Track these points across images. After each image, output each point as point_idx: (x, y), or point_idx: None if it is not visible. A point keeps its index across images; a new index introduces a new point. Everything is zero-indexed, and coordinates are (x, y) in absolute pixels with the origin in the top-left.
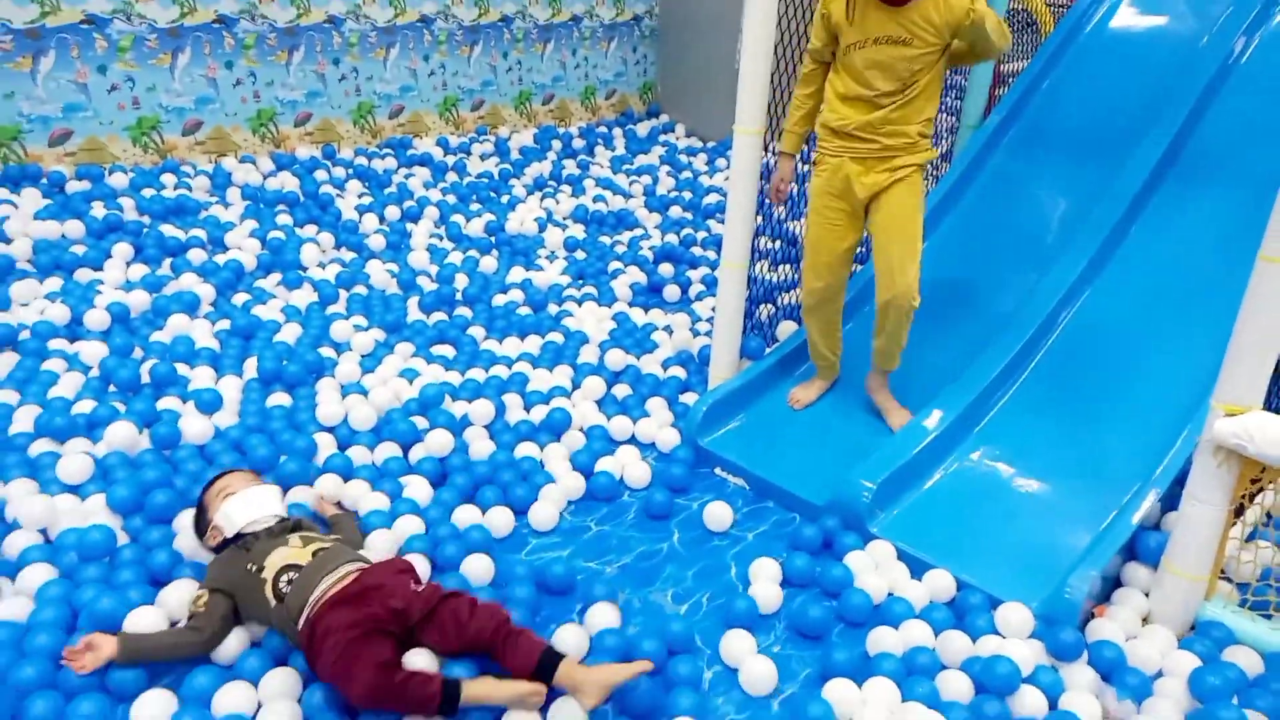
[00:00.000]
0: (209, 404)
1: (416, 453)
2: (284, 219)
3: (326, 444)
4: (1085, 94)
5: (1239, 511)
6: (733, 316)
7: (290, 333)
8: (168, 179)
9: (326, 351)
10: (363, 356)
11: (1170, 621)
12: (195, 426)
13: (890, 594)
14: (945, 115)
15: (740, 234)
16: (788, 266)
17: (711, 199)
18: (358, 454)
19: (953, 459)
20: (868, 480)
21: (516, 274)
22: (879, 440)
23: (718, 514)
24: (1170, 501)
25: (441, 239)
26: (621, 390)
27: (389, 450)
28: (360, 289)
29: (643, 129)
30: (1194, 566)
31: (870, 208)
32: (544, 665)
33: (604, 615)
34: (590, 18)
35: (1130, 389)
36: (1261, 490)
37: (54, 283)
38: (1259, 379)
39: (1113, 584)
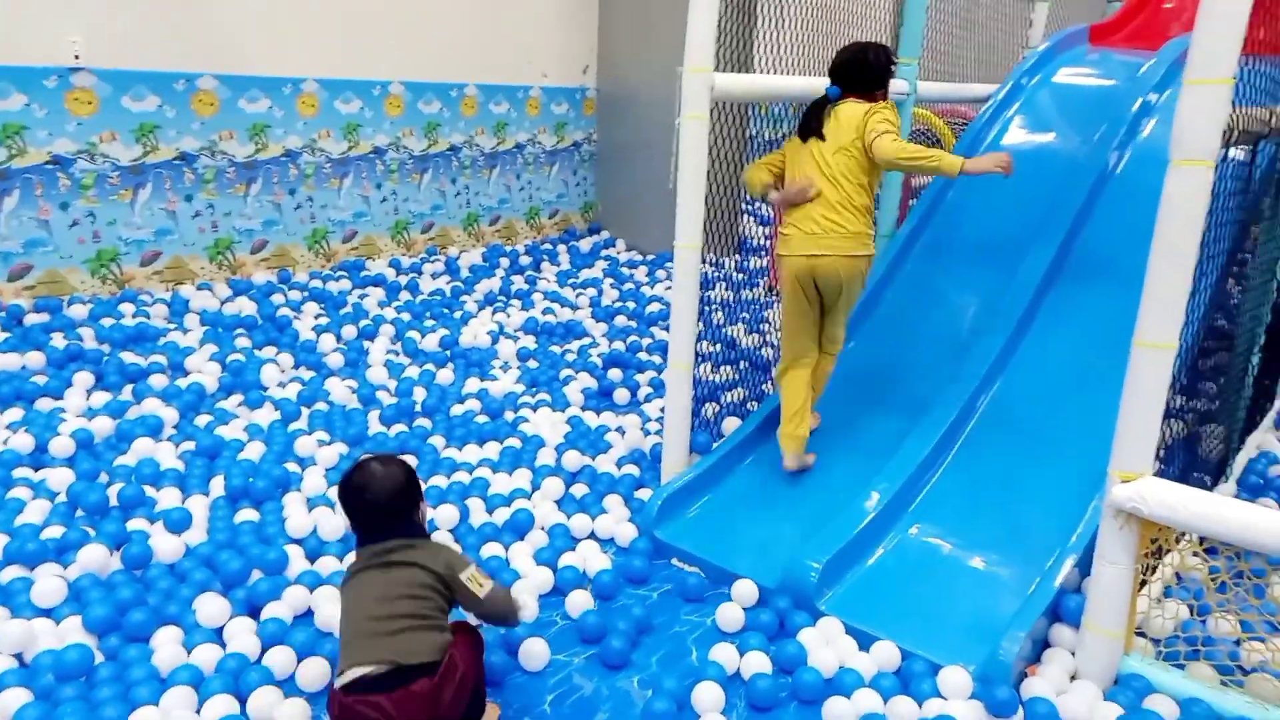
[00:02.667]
0: (178, 523)
1: None
2: (243, 342)
3: (297, 556)
4: (984, 206)
5: (1151, 571)
6: (682, 414)
7: (254, 450)
8: (126, 308)
9: (292, 467)
10: (327, 469)
11: (1095, 676)
12: (166, 545)
13: (841, 666)
14: None
15: (684, 338)
16: (728, 368)
17: (654, 308)
18: (328, 564)
19: (891, 535)
20: (814, 560)
21: (472, 384)
22: (825, 519)
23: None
24: (1087, 566)
25: (398, 354)
26: (579, 489)
27: None
28: (321, 405)
29: (585, 245)
30: (1111, 623)
31: None
32: None
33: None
34: (533, 144)
35: (1044, 463)
36: (1160, 549)
37: (15, 413)
38: (1146, 448)
39: (1042, 645)
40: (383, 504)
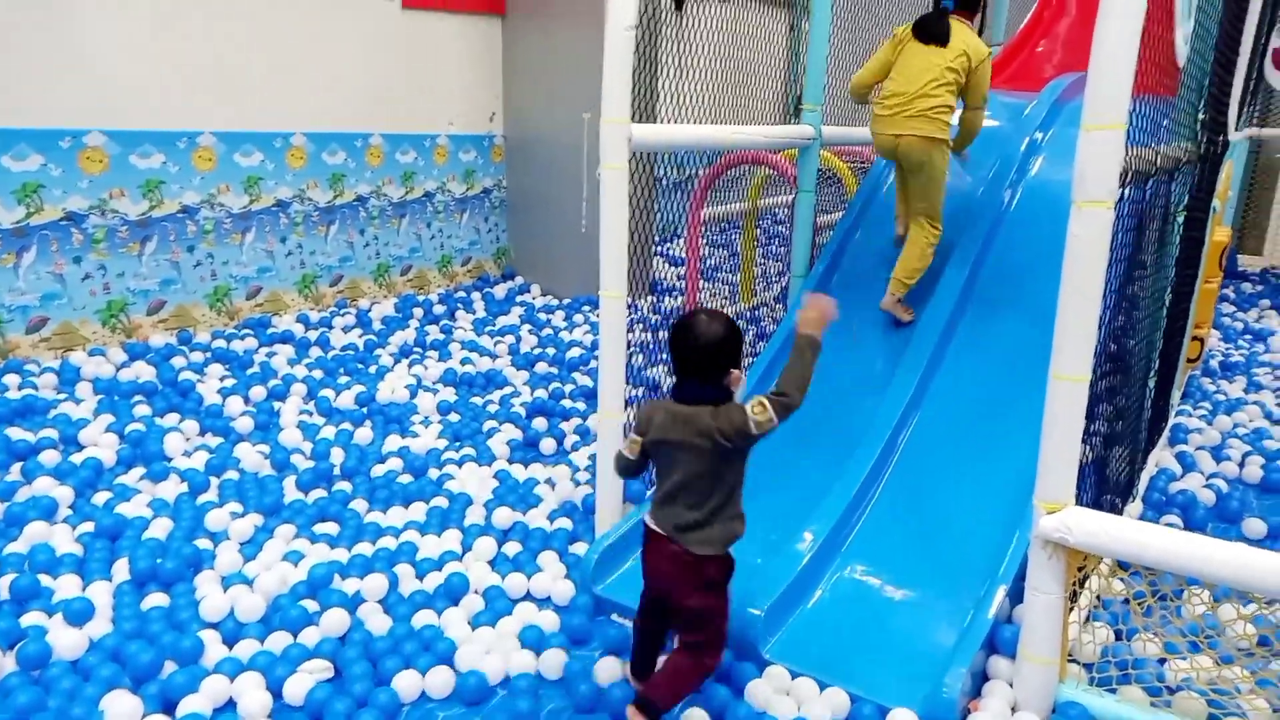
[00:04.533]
0: (79, 614)
1: (311, 636)
2: (142, 410)
3: (213, 641)
4: (889, 244)
5: (1073, 598)
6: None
7: (161, 528)
8: (11, 379)
9: (203, 543)
10: (242, 544)
11: (1034, 706)
12: (66, 640)
13: (794, 717)
14: (773, 263)
15: (614, 387)
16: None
17: (574, 353)
18: (248, 648)
19: (828, 576)
20: (754, 608)
21: (393, 442)
22: (762, 563)
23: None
24: (1016, 594)
25: (312, 414)
26: (512, 547)
27: (282, 640)
28: (232, 474)
29: (500, 291)
30: (1045, 652)
31: None
32: None
33: None
34: (442, 192)
35: (966, 494)
36: (1087, 576)
37: None
38: (1068, 478)
39: (981, 677)
40: (698, 357)
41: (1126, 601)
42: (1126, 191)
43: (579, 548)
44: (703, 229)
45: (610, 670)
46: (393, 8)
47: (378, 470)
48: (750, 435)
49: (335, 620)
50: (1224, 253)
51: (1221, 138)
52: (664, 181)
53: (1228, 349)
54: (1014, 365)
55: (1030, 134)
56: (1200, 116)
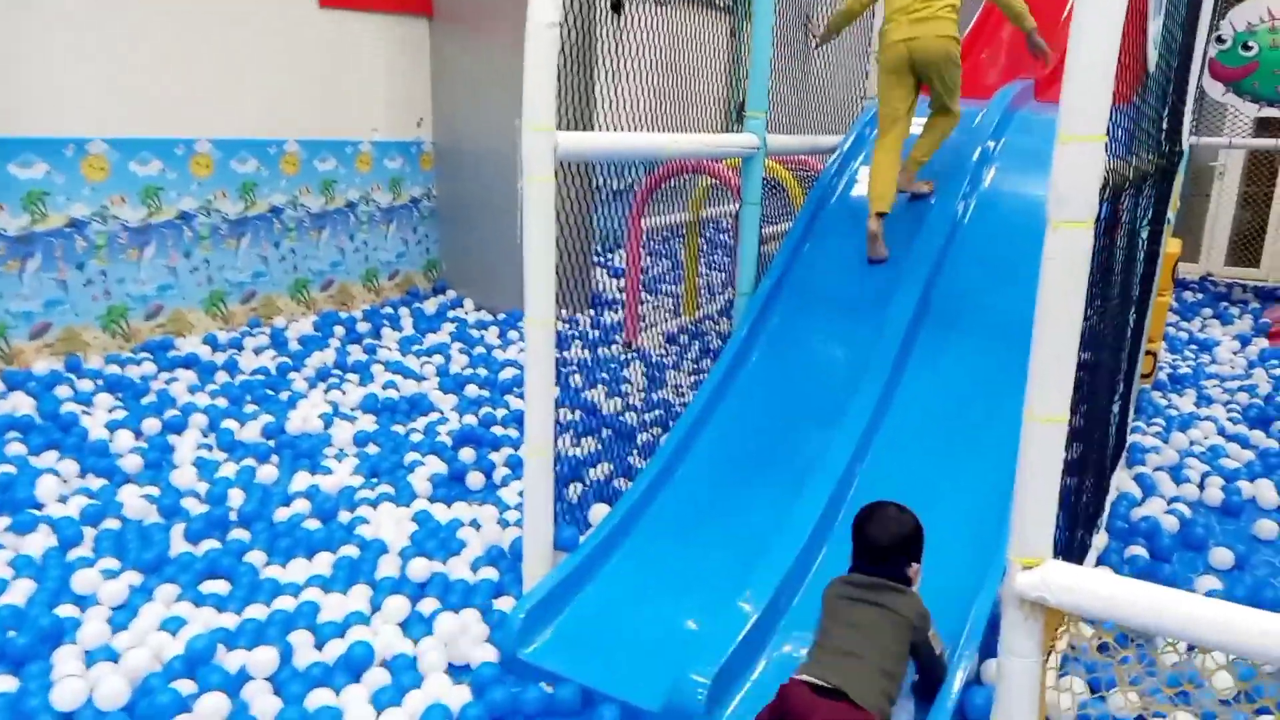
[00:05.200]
0: None
1: None
2: (16, 448)
3: None
4: (840, 256)
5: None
6: (542, 511)
7: (20, 591)
8: None
9: (67, 610)
10: (114, 610)
11: None
12: None
13: None
14: (719, 274)
15: (541, 421)
16: (590, 439)
17: (507, 373)
18: None
19: (776, 640)
20: (700, 675)
21: (301, 480)
22: (706, 622)
23: None
24: (986, 650)
25: (211, 449)
26: (428, 605)
27: None
28: (111, 523)
29: (430, 306)
30: (1023, 718)
31: None
32: None
33: None
34: (366, 203)
35: (929, 537)
36: (1065, 632)
37: None
38: (1046, 530)
39: None
40: (883, 545)
41: (1104, 648)
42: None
43: (504, 603)
44: (644, 239)
45: None
46: (309, 6)
47: (281, 514)
48: (918, 631)
49: (212, 707)
50: (1175, 265)
51: (1178, 146)
52: (604, 191)
53: (1175, 360)
54: (973, 391)
55: (982, 143)
56: (1164, 125)
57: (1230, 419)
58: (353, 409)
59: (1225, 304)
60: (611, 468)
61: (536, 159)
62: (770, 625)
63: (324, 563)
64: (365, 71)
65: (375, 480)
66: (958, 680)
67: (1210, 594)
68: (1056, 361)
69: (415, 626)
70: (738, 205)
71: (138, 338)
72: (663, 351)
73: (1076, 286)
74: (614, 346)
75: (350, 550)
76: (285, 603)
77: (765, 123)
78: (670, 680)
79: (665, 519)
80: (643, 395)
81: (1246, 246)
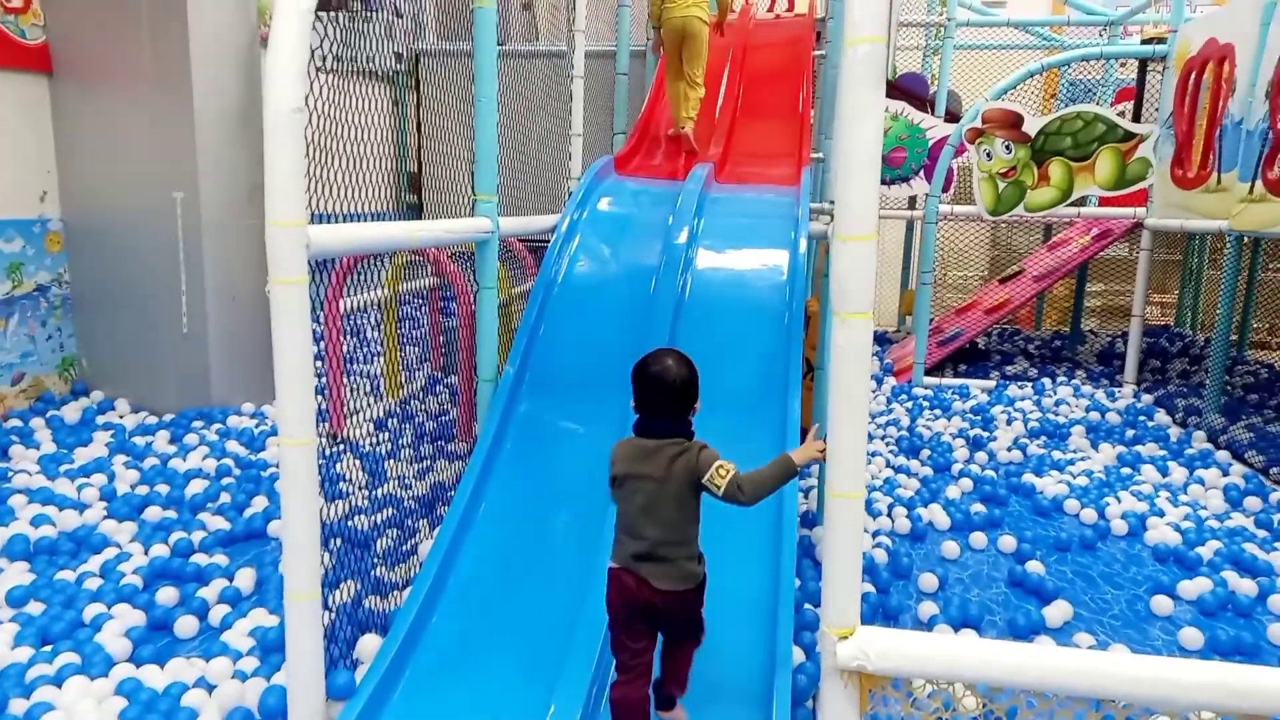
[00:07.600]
0: None
1: None
2: None
3: None
4: (575, 337)
5: None
6: (311, 659)
7: None
8: None
9: None
10: None
11: None
12: None
13: None
14: (413, 349)
15: (307, 558)
16: (324, 554)
17: (196, 486)
18: None
19: None
20: None
21: None
22: None
23: None
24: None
25: None
26: None
27: None
28: None
29: (72, 413)
30: None
31: None
32: None
33: None
34: None
35: (719, 620)
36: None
37: None
38: (853, 599)
39: None
40: (666, 393)
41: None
42: None
43: None
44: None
45: None
46: None
47: None
48: (699, 484)
49: None
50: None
51: None
52: None
53: None
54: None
55: (689, 223)
56: None
57: (890, 452)
58: None
59: None
60: (357, 585)
61: (285, 258)
62: None
63: None
64: None
65: (50, 650)
66: None
67: (932, 620)
68: (851, 441)
69: None
70: (435, 279)
71: None
72: (374, 441)
73: (865, 369)
74: (320, 440)
75: None
76: None
77: (496, 206)
78: None
79: (448, 639)
80: (366, 494)
81: None
